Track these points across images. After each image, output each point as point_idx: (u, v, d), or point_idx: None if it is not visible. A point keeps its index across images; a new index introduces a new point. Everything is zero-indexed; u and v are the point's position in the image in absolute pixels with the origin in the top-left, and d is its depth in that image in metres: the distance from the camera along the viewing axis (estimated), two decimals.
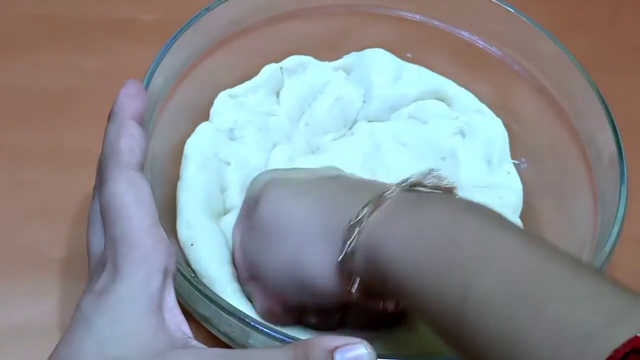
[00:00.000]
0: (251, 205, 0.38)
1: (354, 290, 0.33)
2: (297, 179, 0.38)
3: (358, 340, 0.27)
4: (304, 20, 0.50)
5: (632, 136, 0.43)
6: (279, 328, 0.35)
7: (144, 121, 0.34)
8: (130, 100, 0.33)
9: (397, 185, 0.33)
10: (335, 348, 0.27)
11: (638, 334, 0.24)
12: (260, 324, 0.34)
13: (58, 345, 0.28)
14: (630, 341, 0.23)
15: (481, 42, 0.51)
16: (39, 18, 0.56)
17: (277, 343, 0.33)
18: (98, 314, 0.28)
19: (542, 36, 0.47)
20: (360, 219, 0.32)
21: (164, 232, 0.31)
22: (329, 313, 0.38)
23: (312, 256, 0.34)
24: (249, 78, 0.49)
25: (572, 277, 0.27)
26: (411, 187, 0.33)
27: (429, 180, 0.34)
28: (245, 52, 0.48)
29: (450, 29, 0.51)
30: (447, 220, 0.31)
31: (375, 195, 0.33)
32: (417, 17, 0.51)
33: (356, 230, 0.32)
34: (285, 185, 0.38)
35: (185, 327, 0.30)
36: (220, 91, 0.48)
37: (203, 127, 0.46)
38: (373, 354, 0.27)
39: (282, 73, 0.50)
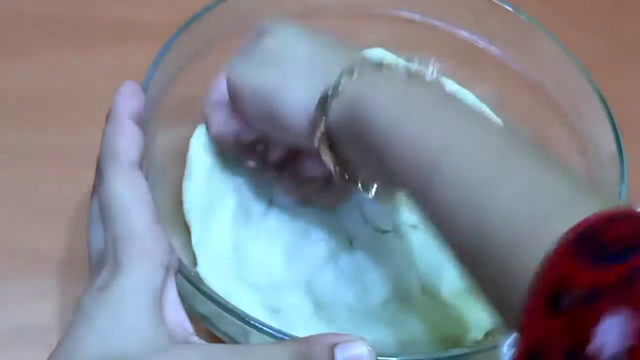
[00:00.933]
0: (253, 40, 0.40)
1: (318, 135, 0.35)
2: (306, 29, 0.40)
3: (359, 337, 0.28)
4: (304, 20, 0.49)
5: (632, 136, 0.43)
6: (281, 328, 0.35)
7: (142, 120, 0.34)
8: (127, 99, 0.33)
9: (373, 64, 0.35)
10: (336, 344, 0.27)
11: (591, 215, 0.25)
12: (261, 323, 0.34)
13: (59, 343, 0.28)
14: (584, 221, 0.25)
15: (481, 42, 0.51)
16: (39, 18, 0.56)
17: None
18: (99, 309, 0.28)
19: (542, 36, 0.47)
20: (350, 68, 0.34)
21: (164, 229, 0.31)
22: (275, 153, 0.40)
23: (295, 88, 0.37)
24: None
25: (537, 163, 0.30)
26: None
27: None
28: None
29: (450, 29, 0.51)
30: (433, 93, 0.34)
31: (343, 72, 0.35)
32: (417, 17, 0.51)
33: (342, 79, 0.34)
34: (293, 26, 0.40)
35: (186, 323, 0.30)
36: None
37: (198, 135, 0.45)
38: (373, 352, 0.27)
39: None
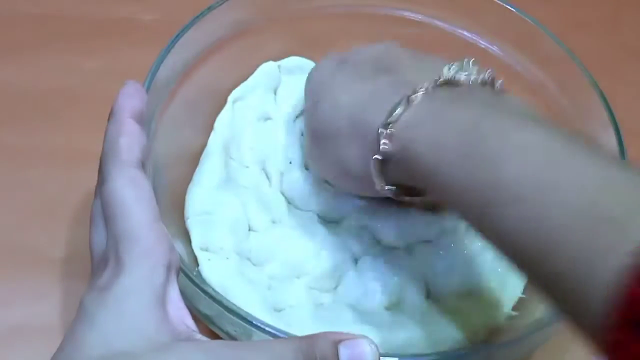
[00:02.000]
0: (310, 107, 0.42)
1: (386, 189, 0.36)
2: (348, 75, 0.40)
3: (362, 336, 0.28)
4: (305, 21, 0.50)
5: (634, 136, 0.43)
6: (282, 328, 0.35)
7: (143, 120, 0.34)
8: (129, 99, 0.33)
9: (429, 83, 0.34)
10: (340, 341, 0.27)
11: None
12: (263, 323, 0.34)
13: (62, 343, 0.28)
14: None
15: (483, 42, 0.51)
16: (39, 18, 0.56)
17: None
18: (101, 308, 0.28)
19: (544, 36, 0.47)
20: (390, 120, 0.34)
21: (165, 229, 0.31)
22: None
23: (351, 158, 0.38)
24: None
25: (596, 166, 0.27)
26: (444, 84, 0.35)
27: (462, 75, 0.35)
28: (246, 52, 0.48)
29: (452, 29, 0.51)
30: (473, 115, 0.32)
31: (405, 95, 0.34)
32: (419, 17, 0.51)
33: (385, 133, 0.34)
34: (332, 90, 0.40)
35: (189, 320, 0.30)
36: (221, 92, 0.48)
37: (211, 146, 0.46)
38: (376, 350, 0.27)
39: (279, 71, 0.50)
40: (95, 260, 0.32)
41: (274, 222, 0.45)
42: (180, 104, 0.44)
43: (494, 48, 0.50)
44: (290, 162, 0.47)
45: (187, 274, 0.35)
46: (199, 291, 0.35)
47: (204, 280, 0.40)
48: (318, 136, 0.40)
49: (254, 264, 0.43)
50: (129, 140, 0.32)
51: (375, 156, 0.35)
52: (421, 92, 0.34)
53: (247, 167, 0.46)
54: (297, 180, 0.46)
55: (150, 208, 0.31)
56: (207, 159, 0.45)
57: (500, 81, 0.37)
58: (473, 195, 0.30)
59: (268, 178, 0.47)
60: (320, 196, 0.45)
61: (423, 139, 0.33)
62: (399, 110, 0.34)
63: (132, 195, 0.30)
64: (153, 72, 0.40)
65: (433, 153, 0.32)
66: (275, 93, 0.50)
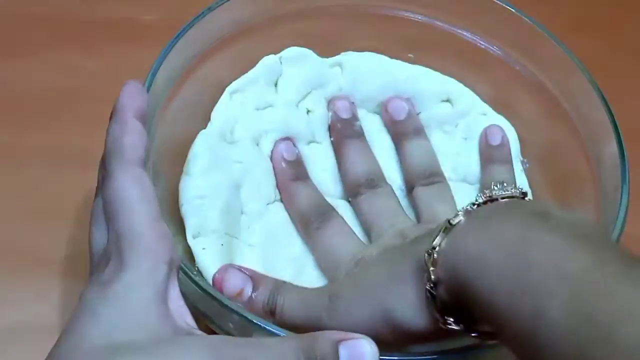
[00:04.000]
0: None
1: (450, 325, 0.32)
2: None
3: (362, 336, 0.28)
4: (306, 20, 0.50)
5: (634, 136, 0.43)
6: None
7: (146, 119, 0.34)
8: (131, 98, 0.33)
9: (463, 212, 0.32)
10: (341, 341, 0.27)
11: None
12: (262, 321, 0.34)
13: (61, 337, 0.28)
14: None
15: (482, 42, 0.51)
16: (39, 18, 0.56)
17: None
18: (103, 302, 0.28)
19: (544, 36, 0.47)
20: (431, 254, 0.31)
21: (167, 227, 0.31)
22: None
23: (398, 303, 0.33)
24: None
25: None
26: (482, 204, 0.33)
27: (495, 192, 0.33)
28: (247, 52, 0.48)
29: (452, 29, 0.51)
30: (517, 237, 0.29)
31: (439, 230, 0.32)
32: (419, 17, 0.51)
33: (431, 258, 0.31)
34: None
35: (189, 318, 0.30)
36: (222, 92, 0.48)
37: (202, 134, 0.45)
38: (376, 350, 0.27)
39: (280, 63, 0.50)
40: (95, 258, 0.32)
41: (268, 203, 0.45)
42: (180, 104, 0.44)
43: (494, 48, 0.50)
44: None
45: (186, 272, 0.35)
46: (198, 290, 0.35)
47: (203, 278, 0.40)
48: (349, 296, 0.36)
49: (249, 245, 0.43)
50: (133, 139, 0.32)
51: (427, 287, 0.31)
52: (457, 220, 0.32)
53: (238, 141, 0.46)
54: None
55: (153, 207, 0.31)
56: (194, 145, 0.44)
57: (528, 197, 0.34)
58: (519, 328, 0.27)
59: (261, 151, 0.47)
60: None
61: (468, 263, 0.30)
62: (437, 241, 0.32)
63: (136, 193, 0.30)
64: (153, 72, 0.40)
65: (480, 279, 0.29)
66: (275, 85, 0.49)
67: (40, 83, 0.53)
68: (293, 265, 0.43)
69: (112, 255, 0.29)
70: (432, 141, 0.50)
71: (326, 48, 0.51)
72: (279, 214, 0.45)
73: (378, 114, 0.51)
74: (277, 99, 0.49)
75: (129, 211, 0.30)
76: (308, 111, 0.49)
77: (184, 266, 0.34)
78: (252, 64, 0.49)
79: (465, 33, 0.51)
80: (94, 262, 0.31)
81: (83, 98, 0.52)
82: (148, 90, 0.39)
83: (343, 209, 0.46)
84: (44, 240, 0.45)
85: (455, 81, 0.51)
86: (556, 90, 0.48)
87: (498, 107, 0.51)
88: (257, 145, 0.47)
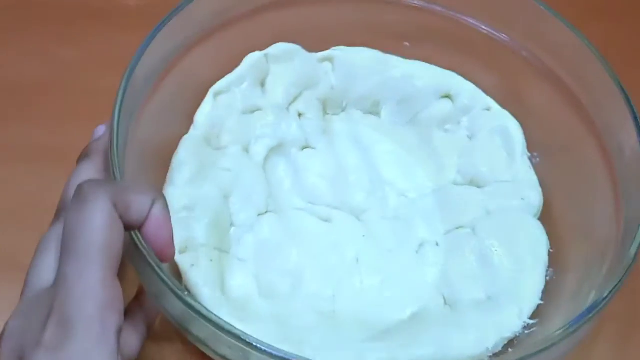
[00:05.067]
0: None
1: None
2: None
3: None
4: (294, 8, 0.48)
5: None
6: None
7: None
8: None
9: None
10: None
11: None
12: (262, 343, 0.31)
13: None
14: None
15: (485, 28, 0.48)
16: (12, 3, 0.53)
17: None
18: None
19: (556, 21, 0.44)
20: None
21: (120, 286, 0.29)
22: None
23: None
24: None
25: None
26: None
27: None
28: (232, 42, 0.46)
29: (451, 15, 0.48)
30: None
31: None
32: (416, 2, 0.49)
33: None
34: None
35: None
36: (206, 84, 0.46)
37: (186, 140, 0.44)
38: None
39: (267, 61, 0.48)
40: (30, 294, 0.30)
41: (259, 214, 0.44)
42: (163, 97, 0.42)
43: (500, 34, 0.48)
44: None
45: (176, 293, 0.32)
46: (190, 312, 0.32)
47: (193, 297, 0.37)
48: None
49: (240, 260, 0.42)
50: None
51: None
52: None
53: (226, 147, 0.45)
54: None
55: (114, 259, 0.29)
56: (178, 152, 0.43)
57: None
58: None
59: (251, 158, 0.45)
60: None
61: None
62: None
63: (102, 238, 0.28)
64: (134, 63, 0.38)
65: None
66: (263, 85, 0.48)
67: (12, 73, 0.50)
68: (289, 279, 0.42)
69: (55, 306, 0.28)
70: (433, 142, 0.48)
71: (315, 40, 0.49)
72: (271, 225, 0.43)
73: (374, 114, 0.50)
74: (265, 102, 0.47)
75: (87, 258, 0.28)
76: (300, 114, 0.48)
77: (174, 286, 0.32)
78: (238, 55, 0.47)
79: (467, 19, 0.48)
80: (28, 299, 0.30)
81: (60, 90, 0.49)
82: (128, 81, 0.37)
83: (340, 220, 0.44)
84: (19, 242, 0.42)
85: (456, 74, 0.50)
86: (570, 79, 0.45)
87: (505, 100, 0.49)
88: (247, 152, 0.45)
